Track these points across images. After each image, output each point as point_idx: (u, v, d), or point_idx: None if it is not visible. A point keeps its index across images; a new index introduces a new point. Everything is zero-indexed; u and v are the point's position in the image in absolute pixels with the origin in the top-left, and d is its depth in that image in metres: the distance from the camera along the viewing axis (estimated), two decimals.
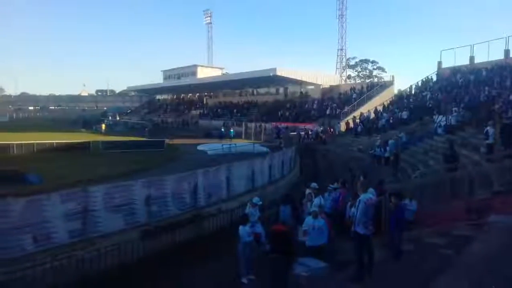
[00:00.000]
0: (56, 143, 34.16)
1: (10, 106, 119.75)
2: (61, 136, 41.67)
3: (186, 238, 12.35)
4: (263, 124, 50.44)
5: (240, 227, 9.68)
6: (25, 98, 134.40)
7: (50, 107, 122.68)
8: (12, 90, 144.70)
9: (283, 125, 48.98)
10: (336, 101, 51.75)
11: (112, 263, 10.13)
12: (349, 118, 42.52)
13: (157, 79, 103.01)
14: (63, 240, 10.12)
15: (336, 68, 74.84)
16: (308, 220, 9.96)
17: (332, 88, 58.97)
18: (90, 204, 10.60)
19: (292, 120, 50.99)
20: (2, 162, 23.84)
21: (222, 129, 49.40)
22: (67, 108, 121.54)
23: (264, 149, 33.68)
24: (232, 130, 47.06)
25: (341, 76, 71.66)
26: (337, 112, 46.77)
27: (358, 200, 8.01)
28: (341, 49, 74.92)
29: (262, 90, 73.39)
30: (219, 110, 72.31)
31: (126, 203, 11.64)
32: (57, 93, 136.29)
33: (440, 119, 26.31)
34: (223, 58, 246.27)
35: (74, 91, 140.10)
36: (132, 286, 9.25)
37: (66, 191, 10.83)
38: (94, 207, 10.71)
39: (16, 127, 64.31)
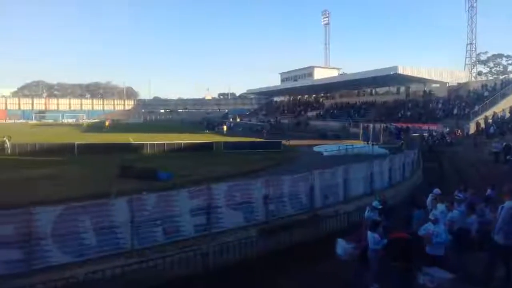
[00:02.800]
0: (183, 143, 36.91)
1: (143, 110, 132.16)
2: (188, 137, 44.98)
3: (302, 239, 12.45)
4: (382, 125, 48.64)
5: (369, 233, 9.34)
6: (156, 101, 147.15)
7: (178, 110, 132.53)
8: (146, 94, 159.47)
9: (404, 126, 46.64)
10: (465, 100, 47.78)
11: (233, 258, 10.63)
12: (480, 118, 38.85)
13: (274, 82, 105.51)
14: (190, 233, 10.94)
15: (465, 64, 68.89)
16: (429, 226, 9.35)
17: (460, 86, 54.45)
18: (213, 201, 11.29)
19: (414, 120, 48.29)
20: (137, 160, 26.49)
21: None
22: (193, 110, 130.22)
23: (384, 150, 32.47)
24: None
25: (470, 73, 65.82)
26: (466, 112, 43.12)
27: (501, 207, 7.33)
28: (471, 44, 68.77)
29: (381, 90, 70.77)
30: (335, 111, 71.45)
31: (245, 201, 12.16)
32: (184, 97, 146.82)
33: None
34: (340, 58, 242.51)
35: (199, 95, 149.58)
36: (252, 282, 9.58)
37: (193, 188, 11.68)
38: (217, 203, 11.39)
39: (149, 128, 71.00)
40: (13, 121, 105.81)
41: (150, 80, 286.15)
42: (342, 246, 9.31)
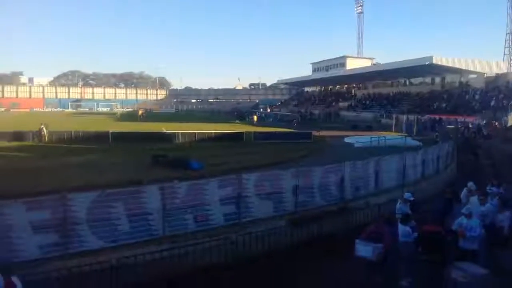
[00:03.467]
0: (214, 133, 37.20)
1: (175, 100, 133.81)
2: (218, 127, 45.29)
3: (332, 230, 12.38)
4: (416, 116, 47.56)
5: (400, 226, 9.21)
6: (188, 91, 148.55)
7: (209, 100, 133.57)
8: (178, 84, 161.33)
9: (439, 117, 45.46)
10: (503, 92, 46.10)
11: (262, 248, 10.69)
12: None
13: (306, 72, 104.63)
14: (219, 222, 11.07)
15: (504, 55, 66.33)
16: (462, 220, 9.12)
17: (498, 77, 52.59)
18: (243, 190, 11.36)
19: (449, 112, 47.05)
20: (169, 149, 26.90)
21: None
22: (223, 100, 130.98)
23: (417, 142, 31.77)
24: None
25: (509, 63, 63.36)
26: (504, 104, 41.62)
27: None
28: (511, 33, 66.10)
29: (415, 80, 69.20)
30: (367, 101, 70.36)
31: (275, 191, 12.19)
32: (215, 87, 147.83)
33: None
34: (373, 48, 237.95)
35: (230, 85, 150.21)
36: (280, 272, 9.62)
37: (223, 177, 11.78)
38: (247, 193, 11.45)
39: (180, 117, 71.88)
40: (50, 109, 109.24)
41: (182, 70, 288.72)
42: (367, 247, 8.51)
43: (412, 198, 11.40)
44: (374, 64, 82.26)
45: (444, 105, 50.80)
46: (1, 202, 8.65)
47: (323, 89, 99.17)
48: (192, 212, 10.63)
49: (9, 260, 8.08)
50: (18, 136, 33.31)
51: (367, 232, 8.69)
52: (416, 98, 60.13)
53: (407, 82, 71.53)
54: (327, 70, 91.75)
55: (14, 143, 31.51)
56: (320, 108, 79.67)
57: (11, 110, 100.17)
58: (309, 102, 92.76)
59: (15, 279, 6.49)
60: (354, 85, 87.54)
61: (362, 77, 76.31)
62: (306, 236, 11.76)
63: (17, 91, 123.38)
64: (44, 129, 33.63)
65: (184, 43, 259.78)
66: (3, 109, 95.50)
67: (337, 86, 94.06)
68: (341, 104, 77.44)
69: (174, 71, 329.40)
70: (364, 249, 8.49)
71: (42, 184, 15.59)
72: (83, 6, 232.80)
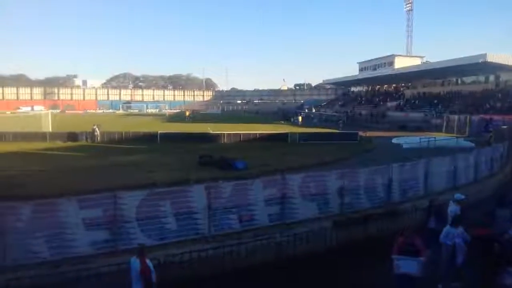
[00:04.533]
0: (259, 133, 37.40)
1: (221, 101, 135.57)
2: (263, 127, 45.53)
3: (378, 233, 12.13)
4: (468, 116, 45.62)
5: (447, 227, 8.91)
6: (234, 92, 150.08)
7: (254, 101, 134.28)
8: (224, 86, 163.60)
9: (490, 117, 43.40)
10: None
11: (306, 249, 10.64)
12: None
13: (352, 72, 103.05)
14: (264, 222, 11.10)
15: None
16: None
17: None
18: (288, 191, 11.34)
19: (505, 112, 44.76)
20: (214, 149, 27.29)
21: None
22: (268, 101, 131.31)
23: (469, 144, 30.51)
24: None
25: None
26: None
27: None
28: None
29: (467, 79, 66.33)
30: (417, 101, 68.26)
31: (320, 193, 12.07)
32: (260, 88, 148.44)
33: None
34: (423, 46, 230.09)
35: (275, 86, 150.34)
36: (323, 274, 9.54)
37: (268, 177, 11.82)
38: (291, 194, 11.43)
39: (226, 118, 72.78)
40: (102, 111, 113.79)
41: (228, 72, 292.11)
42: (410, 262, 7.75)
43: (463, 197, 10.98)
44: (424, 63, 79.61)
45: (498, 104, 48.41)
46: (56, 199, 9.09)
47: (370, 88, 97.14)
48: (236, 212, 10.72)
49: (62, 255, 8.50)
50: (72, 136, 35.00)
51: (398, 245, 7.99)
52: (469, 97, 57.69)
53: (459, 81, 68.78)
54: (374, 69, 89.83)
55: (69, 143, 33.12)
56: (367, 108, 78.10)
57: (66, 111, 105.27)
58: (355, 102, 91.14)
59: (148, 262, 7.01)
60: (402, 84, 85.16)
61: (411, 76, 74.02)
62: (351, 239, 11.58)
63: (71, 93, 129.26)
64: (97, 129, 35.09)
65: (230, 45, 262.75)
66: (58, 111, 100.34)
67: (385, 86, 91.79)
68: (389, 104, 75.50)
69: (221, 73, 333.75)
70: (406, 265, 7.79)
71: (94, 183, 16.29)
72: (133, 10, 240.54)
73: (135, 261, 7.08)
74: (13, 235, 8.29)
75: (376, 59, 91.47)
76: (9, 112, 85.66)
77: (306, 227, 11.13)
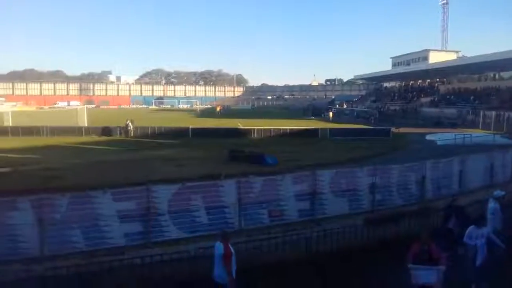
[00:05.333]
0: (289, 129, 37.29)
1: (252, 97, 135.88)
2: (293, 123, 45.35)
3: (410, 231, 11.89)
4: (506, 113, 44.06)
5: (472, 227, 8.54)
6: (264, 88, 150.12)
7: (285, 96, 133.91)
8: (254, 81, 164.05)
9: None
10: None
11: (336, 245, 10.56)
12: None
13: (385, 67, 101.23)
14: (293, 218, 11.11)
15: None
16: None
17: None
18: (318, 187, 11.29)
19: None
20: (245, 145, 27.42)
21: None
22: (299, 97, 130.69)
23: (507, 140, 29.49)
24: None
25: None
26: None
27: None
28: None
29: (506, 74, 64.02)
30: (452, 97, 66.44)
31: (351, 189, 11.98)
32: (290, 84, 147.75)
33: None
34: (459, 41, 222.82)
35: (306, 81, 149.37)
36: (352, 271, 9.45)
37: (298, 173, 11.81)
38: (322, 190, 11.37)
39: (256, 114, 72.90)
40: (135, 106, 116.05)
41: (258, 68, 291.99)
42: (429, 272, 7.17)
43: (502, 193, 10.62)
44: (459, 57, 77.47)
45: None
46: (91, 192, 9.37)
47: (403, 84, 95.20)
48: (266, 207, 10.77)
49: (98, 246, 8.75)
50: (107, 131, 35.89)
51: (414, 252, 7.41)
52: (507, 93, 55.66)
53: (497, 76, 66.49)
54: (408, 64, 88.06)
55: (103, 138, 33.98)
56: (400, 104, 76.59)
57: (101, 107, 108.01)
58: (388, 97, 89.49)
59: (230, 247, 7.28)
60: (437, 79, 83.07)
61: (446, 71, 72.06)
62: (383, 236, 11.41)
63: (106, 89, 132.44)
64: (130, 124, 35.85)
65: (260, 41, 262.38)
66: (93, 106, 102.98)
67: (419, 81, 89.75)
68: (422, 99, 73.79)
69: (251, 69, 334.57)
70: (426, 275, 7.18)
71: (127, 176, 16.66)
72: (165, 8, 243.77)
73: (219, 245, 7.27)
74: (51, 225, 8.59)
75: (410, 54, 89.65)
76: (47, 107, 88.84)
77: (336, 224, 11.04)
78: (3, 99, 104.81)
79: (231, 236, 7.91)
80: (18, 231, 8.46)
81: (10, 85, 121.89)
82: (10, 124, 38.47)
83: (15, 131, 34.82)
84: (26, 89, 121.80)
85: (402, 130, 39.18)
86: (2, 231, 8.38)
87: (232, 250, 7.30)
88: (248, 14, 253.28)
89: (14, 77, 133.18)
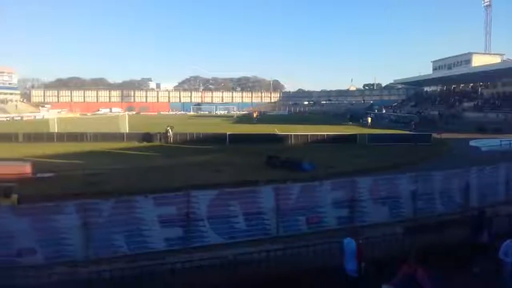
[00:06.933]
0: (326, 135, 36.96)
1: (290, 102, 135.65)
2: (330, 129, 44.94)
3: (454, 240, 11.51)
4: None
5: (508, 242, 7.98)
6: (300, 94, 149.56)
7: (321, 102, 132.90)
8: (290, 87, 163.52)
9: None
10: None
11: (375, 254, 10.35)
12: None
13: (425, 71, 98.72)
14: (332, 225, 10.98)
15: None
16: None
17: None
18: (357, 194, 11.13)
19: None
20: (282, 150, 27.39)
21: None
22: (336, 102, 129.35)
23: None
24: None
25: None
26: None
27: None
28: None
29: None
30: (496, 101, 63.99)
31: (391, 196, 11.73)
32: (327, 89, 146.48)
33: None
34: (503, 43, 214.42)
35: (343, 86, 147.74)
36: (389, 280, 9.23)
37: (336, 179, 11.67)
38: (361, 197, 11.20)
39: (293, 119, 72.71)
40: (174, 112, 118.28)
41: (295, 73, 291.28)
42: None
43: None
44: (504, 61, 74.60)
45: None
46: (134, 197, 9.62)
47: (445, 88, 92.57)
48: (304, 214, 10.71)
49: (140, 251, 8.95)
50: (147, 137, 36.77)
51: (400, 274, 6.64)
52: None
53: None
54: (449, 68, 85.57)
55: (144, 143, 34.82)
56: (441, 108, 74.43)
57: (141, 113, 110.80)
58: (428, 102, 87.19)
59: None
60: (480, 83, 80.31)
61: (490, 74, 69.45)
62: (424, 245, 11.08)
63: (146, 96, 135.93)
64: (170, 131, 36.56)
65: (297, 46, 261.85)
66: (134, 112, 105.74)
67: (461, 85, 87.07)
68: (465, 104, 71.45)
69: (288, 74, 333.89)
70: None
71: (167, 182, 17.00)
72: (203, 16, 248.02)
73: (350, 242, 7.54)
74: (95, 230, 8.87)
75: (452, 57, 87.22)
76: (89, 114, 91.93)
77: (376, 232, 10.82)
78: (49, 106, 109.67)
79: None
80: (63, 235, 8.77)
81: (56, 92, 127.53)
82: (56, 130, 40.01)
83: (60, 137, 36.29)
84: (71, 96, 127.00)
85: (444, 135, 38.04)
86: (48, 235, 8.70)
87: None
88: (285, 20, 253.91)
89: (59, 85, 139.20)
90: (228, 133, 36.59)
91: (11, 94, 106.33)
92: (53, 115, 59.87)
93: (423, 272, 6.38)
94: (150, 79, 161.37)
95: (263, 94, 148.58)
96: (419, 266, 6.49)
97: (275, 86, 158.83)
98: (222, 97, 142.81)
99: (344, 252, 7.57)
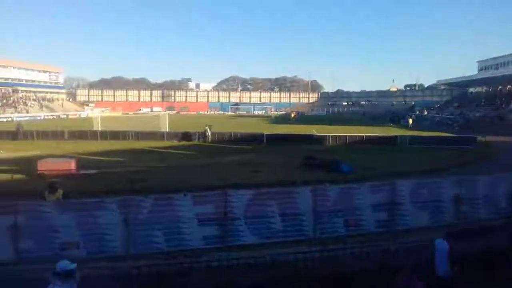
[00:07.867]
0: (366, 136, 36.40)
1: (329, 103, 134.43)
2: (370, 130, 44.22)
3: (499, 248, 11.06)
4: None
5: None
6: (339, 94, 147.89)
7: (361, 102, 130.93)
8: (329, 87, 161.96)
9: None
10: None
11: (414, 259, 10.09)
12: None
13: (470, 71, 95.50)
14: (370, 228, 10.78)
15: None
16: None
17: None
18: (397, 197, 10.88)
19: None
20: (319, 151, 27.18)
21: None
22: (376, 103, 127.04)
23: None
24: None
25: None
26: None
27: None
28: None
29: None
30: None
31: (433, 200, 11.40)
32: (367, 89, 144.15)
33: None
34: None
35: (384, 87, 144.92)
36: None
37: (376, 182, 11.46)
38: (401, 200, 10.94)
39: (331, 120, 72.01)
40: (213, 112, 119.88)
41: (334, 73, 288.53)
42: None
43: None
44: None
45: None
46: (173, 195, 9.79)
47: (491, 89, 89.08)
48: (342, 216, 10.57)
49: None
50: (186, 136, 37.42)
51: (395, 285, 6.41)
52: None
53: None
54: (496, 69, 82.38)
55: (183, 142, 35.46)
56: (487, 110, 71.64)
57: (181, 112, 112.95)
58: (473, 104, 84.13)
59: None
60: None
61: None
62: (467, 252, 10.72)
63: (186, 96, 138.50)
64: (208, 130, 37.06)
65: (336, 46, 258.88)
66: (174, 112, 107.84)
67: (508, 86, 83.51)
68: None
69: (327, 74, 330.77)
70: None
71: (205, 180, 17.22)
72: (240, 17, 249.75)
73: (442, 242, 7.67)
74: (135, 226, 9.11)
75: (499, 57, 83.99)
76: (131, 113, 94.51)
77: (416, 236, 10.56)
78: (93, 105, 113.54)
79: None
80: (105, 230, 9.04)
81: (100, 91, 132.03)
82: (99, 129, 41.37)
83: (104, 135, 37.51)
84: (114, 95, 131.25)
85: (490, 138, 36.63)
86: (91, 230, 8.99)
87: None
88: (324, 20, 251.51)
89: (103, 84, 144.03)
90: (265, 133, 36.69)
91: (57, 93, 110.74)
92: (96, 113, 61.89)
93: (418, 284, 6.24)
94: (189, 80, 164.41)
95: (301, 94, 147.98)
96: (411, 278, 6.31)
97: (314, 86, 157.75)
98: (260, 97, 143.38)
99: (435, 253, 7.61)
